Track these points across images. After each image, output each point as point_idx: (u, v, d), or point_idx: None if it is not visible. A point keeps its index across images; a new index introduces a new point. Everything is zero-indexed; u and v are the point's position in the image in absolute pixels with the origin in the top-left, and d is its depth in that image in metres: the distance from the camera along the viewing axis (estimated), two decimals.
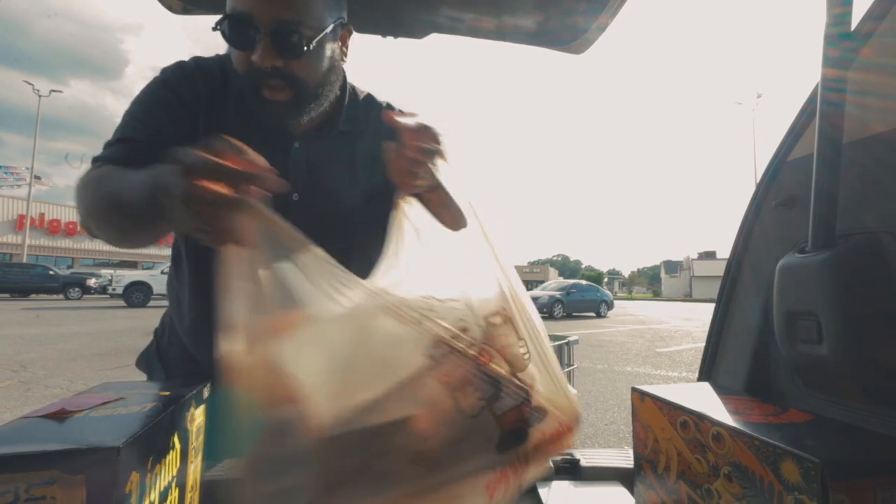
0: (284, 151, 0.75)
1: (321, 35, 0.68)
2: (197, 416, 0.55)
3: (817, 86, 0.57)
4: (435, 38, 0.91)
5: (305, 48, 0.67)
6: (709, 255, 53.17)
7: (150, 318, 10.79)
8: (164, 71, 0.76)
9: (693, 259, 53.79)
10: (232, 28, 0.66)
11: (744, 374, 0.73)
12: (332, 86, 0.75)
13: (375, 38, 0.95)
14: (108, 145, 0.71)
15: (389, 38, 0.94)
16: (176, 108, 0.72)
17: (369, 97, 0.86)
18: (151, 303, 15.17)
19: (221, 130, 0.64)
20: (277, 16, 0.65)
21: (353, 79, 0.85)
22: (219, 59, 0.77)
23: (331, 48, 0.72)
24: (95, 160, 0.69)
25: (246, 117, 0.72)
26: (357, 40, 0.85)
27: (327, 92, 0.75)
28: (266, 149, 0.63)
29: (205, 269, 0.76)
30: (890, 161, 0.56)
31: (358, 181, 0.81)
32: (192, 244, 0.78)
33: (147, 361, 0.90)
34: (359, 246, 0.80)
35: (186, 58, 0.78)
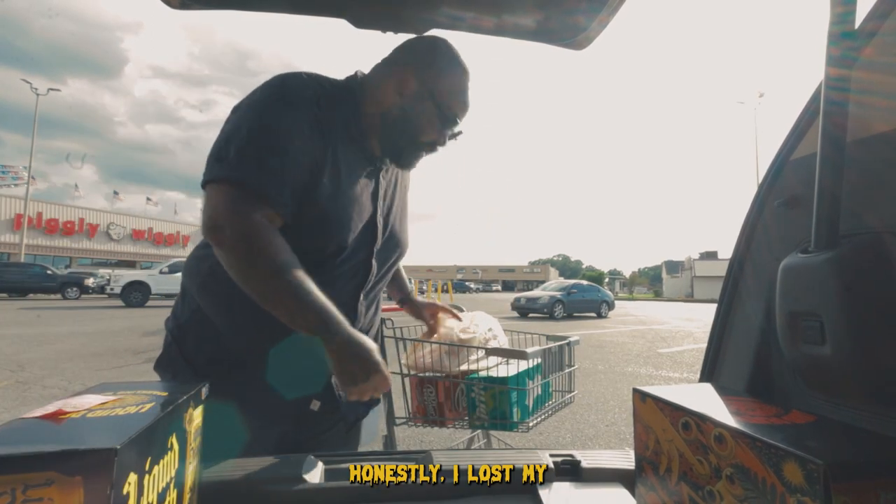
0: (375, 176, 0.94)
1: None
2: (195, 417, 0.55)
3: (820, 85, 0.57)
4: (436, 34, 0.91)
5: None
6: (710, 256, 53.20)
7: (148, 318, 10.79)
8: (305, 97, 0.82)
9: (694, 259, 53.81)
10: (449, 121, 0.91)
11: (746, 374, 0.73)
12: None
13: (376, 34, 0.95)
14: (259, 172, 0.76)
15: (390, 34, 0.94)
16: (312, 138, 0.81)
17: None
18: (150, 303, 15.16)
19: (340, 149, 0.86)
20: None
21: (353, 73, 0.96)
22: (337, 85, 0.89)
23: None
24: (258, 194, 0.76)
25: (357, 145, 0.90)
26: (358, 36, 0.90)
27: None
28: (365, 172, 0.93)
29: None
30: (893, 160, 0.56)
31: (404, 201, 1.07)
32: None
33: (170, 364, 0.90)
34: (403, 247, 1.04)
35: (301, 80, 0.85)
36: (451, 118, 0.91)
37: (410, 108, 0.88)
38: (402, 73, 0.88)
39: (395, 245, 1.00)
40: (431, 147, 0.94)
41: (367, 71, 0.94)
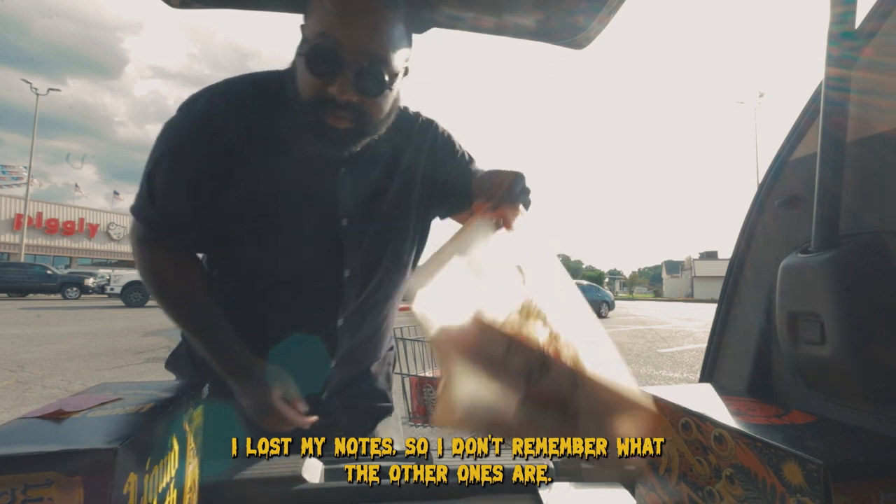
0: (332, 175, 0.76)
1: (398, 76, 0.69)
2: (195, 417, 0.55)
3: (820, 85, 0.57)
4: (435, 32, 0.90)
5: (386, 89, 0.67)
6: (710, 256, 53.24)
7: (148, 318, 10.79)
8: (198, 115, 0.73)
9: (694, 259, 53.88)
10: (317, 55, 0.64)
11: (746, 375, 0.73)
12: (390, 120, 0.75)
13: None
14: (152, 207, 0.74)
15: None
16: (217, 159, 0.72)
17: (413, 112, 0.89)
18: (150, 302, 15.15)
19: (269, 156, 0.73)
20: (368, 51, 0.64)
21: None
22: (253, 83, 0.76)
23: (399, 87, 0.73)
24: (151, 230, 0.77)
25: (293, 141, 0.73)
26: None
27: (385, 126, 0.74)
28: (313, 173, 0.76)
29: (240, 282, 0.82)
30: (893, 160, 0.55)
31: (399, 196, 0.83)
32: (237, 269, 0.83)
33: (177, 363, 0.90)
34: (396, 258, 0.85)
35: (206, 83, 0.77)
36: (316, 50, 0.64)
37: (291, 71, 0.71)
38: None
39: (386, 256, 0.83)
40: (328, 104, 0.66)
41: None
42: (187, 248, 0.79)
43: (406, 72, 0.73)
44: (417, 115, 0.89)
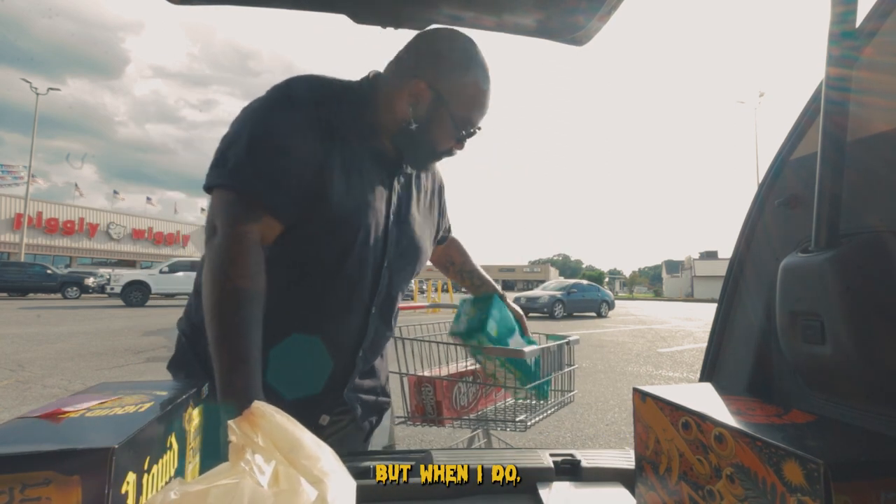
0: (388, 182, 0.92)
1: None
2: (195, 417, 0.55)
3: (821, 84, 0.57)
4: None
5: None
6: (710, 255, 53.32)
7: (148, 318, 10.79)
8: (301, 96, 0.80)
9: (694, 259, 53.95)
10: (465, 136, 0.89)
11: (746, 374, 0.72)
12: None
13: (375, 29, 0.95)
14: (253, 170, 0.75)
15: (390, 29, 0.94)
16: (309, 141, 0.79)
17: None
18: (150, 302, 15.17)
19: (344, 156, 0.83)
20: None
21: (355, 69, 0.92)
22: (346, 88, 0.87)
23: None
24: (253, 197, 0.75)
25: (367, 150, 0.87)
26: (359, 33, 0.88)
27: None
28: (380, 180, 0.90)
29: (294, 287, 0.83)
30: (894, 160, 0.55)
31: (427, 209, 1.03)
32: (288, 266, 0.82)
33: (183, 364, 0.89)
34: (420, 257, 0.99)
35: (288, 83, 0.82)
36: (468, 125, 0.88)
37: (426, 121, 0.86)
38: (413, 82, 0.84)
39: (412, 256, 0.96)
40: (449, 153, 0.92)
41: (381, 69, 0.90)
42: (282, 222, 0.77)
43: None
44: None
